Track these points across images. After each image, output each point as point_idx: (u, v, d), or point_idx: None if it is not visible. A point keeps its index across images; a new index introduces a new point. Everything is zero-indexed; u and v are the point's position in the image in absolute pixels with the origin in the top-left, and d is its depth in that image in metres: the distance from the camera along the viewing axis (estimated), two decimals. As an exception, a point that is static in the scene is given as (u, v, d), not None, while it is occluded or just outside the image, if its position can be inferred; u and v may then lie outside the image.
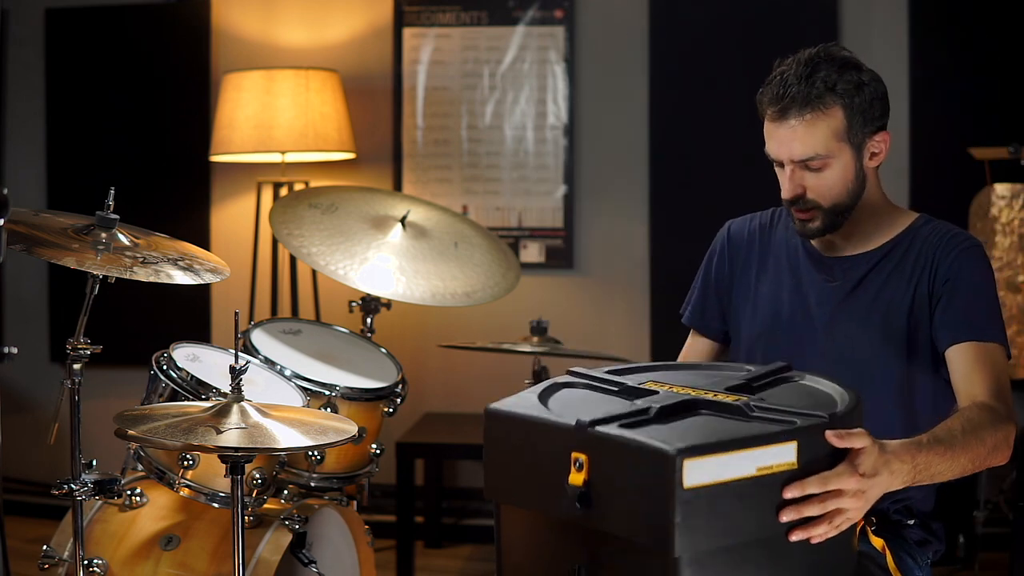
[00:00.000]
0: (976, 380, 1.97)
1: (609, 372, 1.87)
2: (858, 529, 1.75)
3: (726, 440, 1.55)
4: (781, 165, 2.08)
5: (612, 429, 1.58)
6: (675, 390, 1.75)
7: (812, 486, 1.60)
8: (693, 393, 1.73)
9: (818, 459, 1.61)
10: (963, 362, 1.99)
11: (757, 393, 1.77)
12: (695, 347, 2.35)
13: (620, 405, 1.70)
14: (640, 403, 1.67)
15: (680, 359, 2.35)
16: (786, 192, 2.07)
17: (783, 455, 1.58)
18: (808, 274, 2.16)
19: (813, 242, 2.17)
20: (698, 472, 1.50)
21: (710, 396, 1.71)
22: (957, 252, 2.06)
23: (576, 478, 1.59)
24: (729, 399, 1.69)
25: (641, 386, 1.77)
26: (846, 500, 1.62)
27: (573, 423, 1.61)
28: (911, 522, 2.08)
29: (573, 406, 1.73)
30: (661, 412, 1.64)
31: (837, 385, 1.79)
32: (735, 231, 2.29)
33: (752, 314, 2.21)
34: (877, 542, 1.98)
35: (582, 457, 1.58)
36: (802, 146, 2.02)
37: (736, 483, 1.54)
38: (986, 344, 1.99)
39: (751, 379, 1.81)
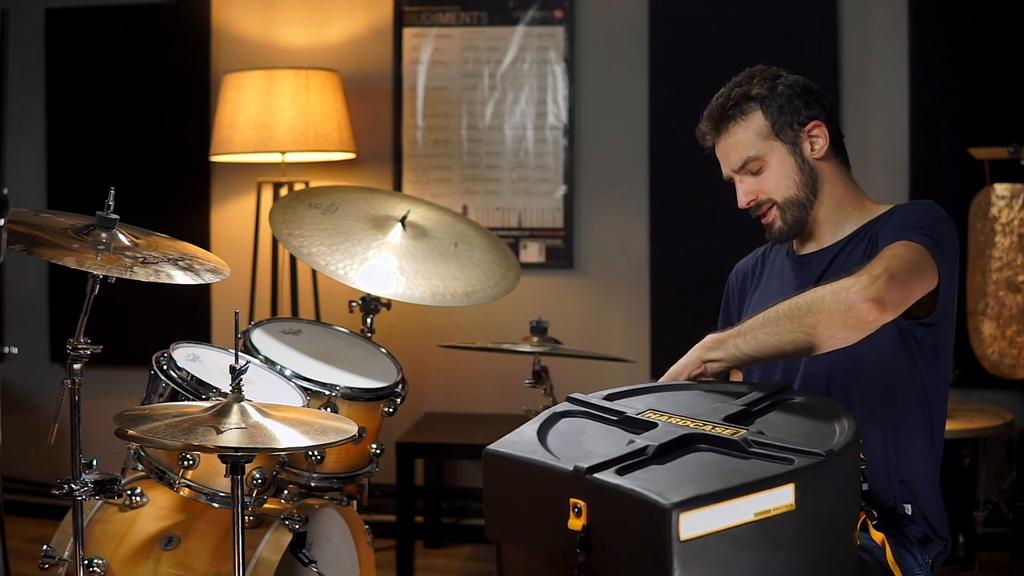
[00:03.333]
0: None
1: (608, 398, 1.88)
2: (859, 523, 1.76)
3: (722, 490, 1.54)
4: (732, 182, 2.22)
5: (609, 476, 1.57)
6: (674, 421, 1.75)
7: None
8: (692, 426, 1.73)
9: (817, 499, 1.60)
10: None
11: (756, 419, 1.78)
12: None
13: (619, 442, 1.70)
14: (639, 441, 1.67)
15: None
16: (740, 202, 2.22)
17: (781, 498, 1.57)
18: (788, 275, 2.25)
19: (794, 245, 2.27)
20: (695, 524, 1.50)
21: (708, 429, 1.71)
22: (895, 210, 2.14)
23: (575, 523, 1.59)
24: (727, 433, 1.69)
25: (640, 416, 1.78)
26: None
27: (571, 468, 1.60)
28: (908, 508, 2.09)
29: (573, 443, 1.73)
30: (659, 451, 1.64)
31: (835, 407, 1.81)
32: (739, 268, 2.42)
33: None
34: (877, 536, 1.98)
35: (581, 503, 1.58)
36: (736, 153, 2.20)
37: (734, 529, 1.53)
38: (890, 245, 2.00)
39: (750, 404, 1.82)
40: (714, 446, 1.68)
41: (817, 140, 2.18)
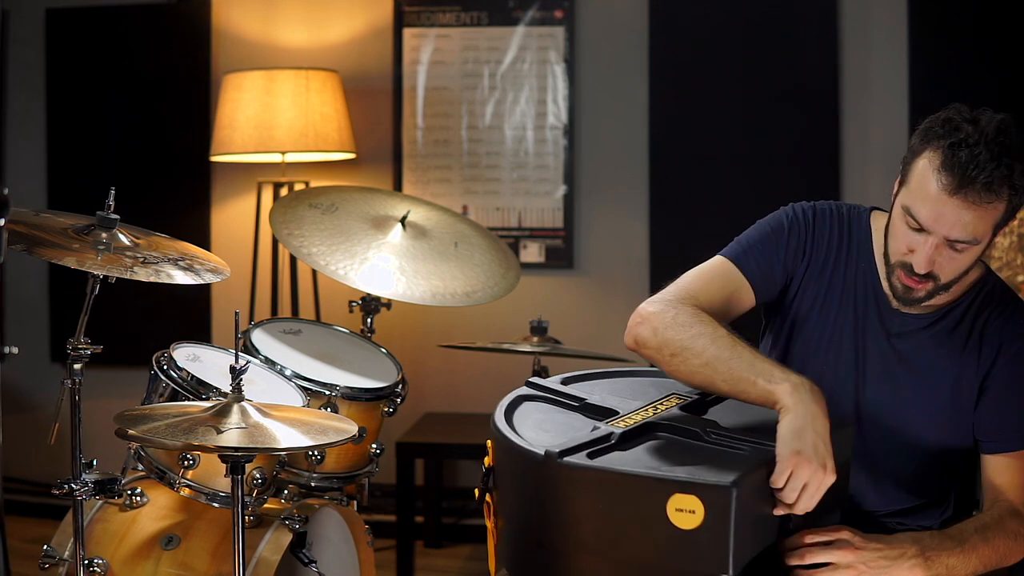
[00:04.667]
0: (1006, 483, 2.01)
1: (564, 382, 2.03)
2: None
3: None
4: (920, 230, 1.95)
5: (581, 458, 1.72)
6: (633, 416, 1.85)
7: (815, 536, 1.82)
8: (651, 415, 1.85)
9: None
10: (999, 464, 2.03)
11: (709, 408, 1.92)
12: (732, 284, 2.22)
13: (583, 428, 1.84)
14: (603, 428, 1.81)
15: (702, 281, 2.27)
16: (922, 266, 1.95)
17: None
18: (872, 319, 2.10)
19: (883, 283, 2.11)
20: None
21: (667, 422, 1.83)
22: (1019, 346, 2.03)
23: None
24: (686, 423, 1.82)
25: (603, 404, 1.92)
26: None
27: (543, 452, 1.75)
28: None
29: (539, 428, 1.89)
30: (623, 437, 1.78)
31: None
32: (819, 223, 2.16)
33: (808, 332, 2.14)
34: None
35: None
36: (963, 230, 1.91)
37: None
38: None
39: (702, 394, 1.96)
40: (674, 434, 1.81)
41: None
